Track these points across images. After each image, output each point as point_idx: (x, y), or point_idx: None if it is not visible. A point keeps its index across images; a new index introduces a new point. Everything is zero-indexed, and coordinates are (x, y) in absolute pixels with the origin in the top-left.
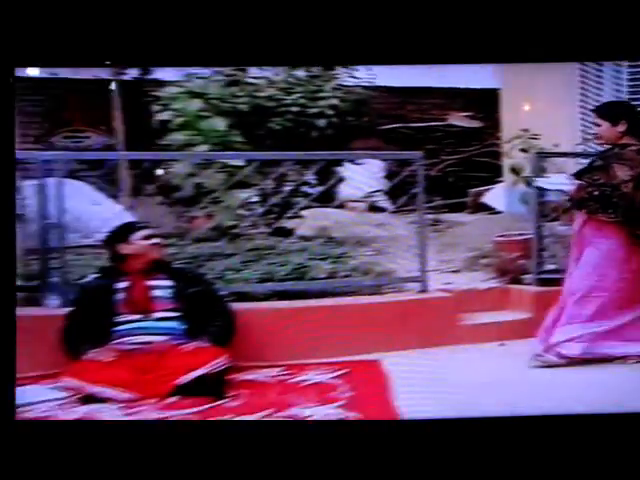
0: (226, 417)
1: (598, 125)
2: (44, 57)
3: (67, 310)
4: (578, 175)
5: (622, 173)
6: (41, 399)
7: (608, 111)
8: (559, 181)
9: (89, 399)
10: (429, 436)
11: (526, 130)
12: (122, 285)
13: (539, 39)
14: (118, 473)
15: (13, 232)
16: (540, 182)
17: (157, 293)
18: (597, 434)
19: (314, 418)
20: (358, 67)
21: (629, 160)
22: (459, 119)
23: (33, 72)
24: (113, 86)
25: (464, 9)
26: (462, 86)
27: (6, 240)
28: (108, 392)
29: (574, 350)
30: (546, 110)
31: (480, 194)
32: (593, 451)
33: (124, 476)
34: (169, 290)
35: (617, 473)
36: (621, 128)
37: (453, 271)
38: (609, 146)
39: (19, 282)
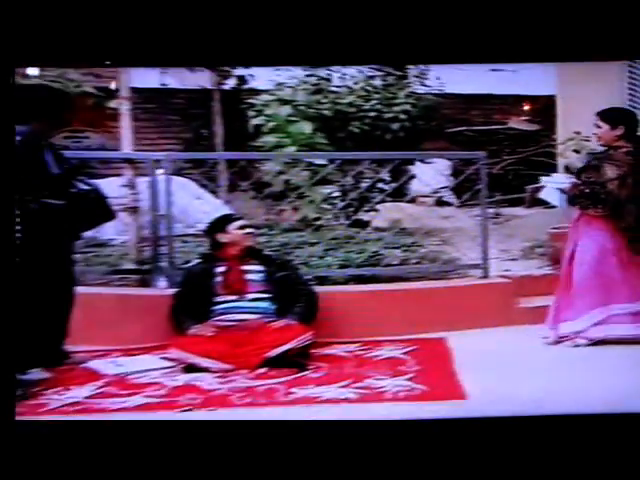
0: (308, 387)
1: (599, 127)
2: (44, 57)
3: (174, 290)
4: (577, 174)
5: (611, 172)
6: (151, 367)
7: (610, 115)
8: (560, 180)
9: (191, 369)
10: (430, 436)
11: (578, 132)
12: (220, 269)
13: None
14: (118, 473)
15: (13, 230)
16: (544, 181)
17: (250, 277)
18: (597, 434)
19: (386, 390)
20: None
21: (618, 161)
22: (518, 123)
23: (33, 72)
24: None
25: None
26: (521, 93)
27: (5, 240)
28: (207, 363)
29: (601, 333)
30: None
31: (536, 190)
32: (594, 451)
33: (124, 476)
34: (261, 274)
35: (618, 473)
36: (618, 132)
37: (512, 259)
38: (606, 147)
39: (133, 266)
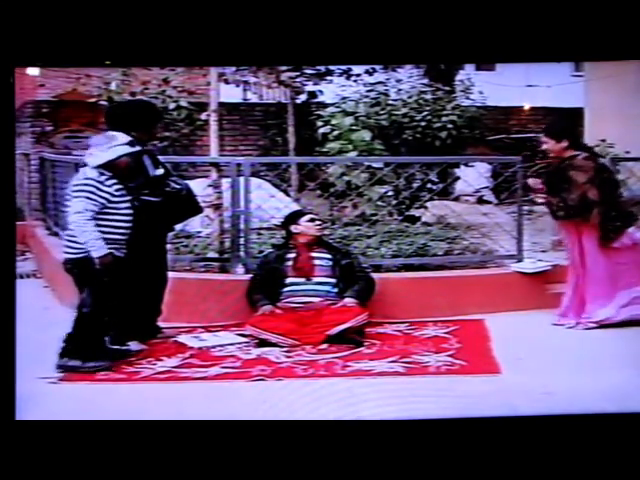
0: (363, 361)
1: (546, 143)
2: (44, 57)
3: (251, 274)
4: (549, 189)
5: (581, 177)
6: (228, 342)
7: (552, 130)
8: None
9: (263, 343)
10: (430, 436)
11: (603, 140)
12: (291, 255)
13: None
14: (118, 473)
15: (13, 229)
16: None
17: (318, 262)
18: (597, 434)
19: (430, 364)
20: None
21: (581, 166)
22: None
23: (34, 71)
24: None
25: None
26: (553, 105)
27: (5, 238)
28: (277, 338)
29: (626, 315)
30: (619, 122)
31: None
32: (593, 451)
33: (124, 475)
34: (327, 261)
35: (617, 473)
36: (564, 144)
37: (542, 251)
38: (559, 159)
39: (215, 255)
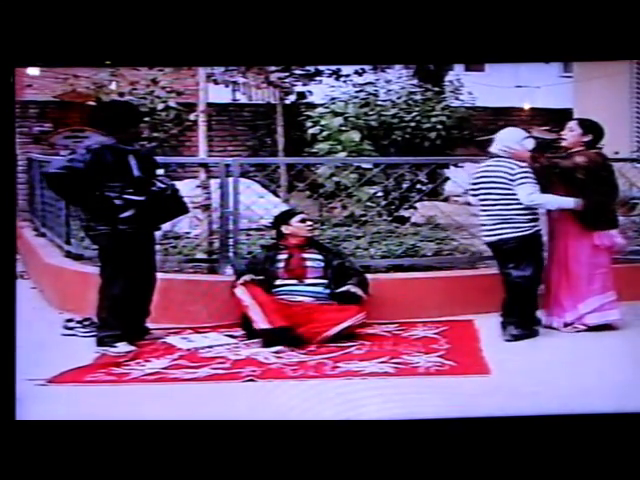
0: (352, 362)
1: (572, 130)
2: (44, 57)
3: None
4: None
5: (580, 160)
6: (217, 343)
7: (586, 123)
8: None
9: (255, 334)
10: (420, 436)
11: None
12: (283, 256)
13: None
14: (117, 472)
15: (13, 230)
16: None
17: (310, 264)
18: (597, 434)
19: (419, 365)
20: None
21: (588, 156)
22: (539, 132)
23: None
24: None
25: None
26: (542, 106)
27: (6, 240)
28: (257, 314)
29: (597, 319)
30: (608, 123)
31: None
32: (593, 451)
33: (123, 475)
34: (319, 262)
35: (617, 473)
36: (586, 139)
37: None
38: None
39: (204, 256)
